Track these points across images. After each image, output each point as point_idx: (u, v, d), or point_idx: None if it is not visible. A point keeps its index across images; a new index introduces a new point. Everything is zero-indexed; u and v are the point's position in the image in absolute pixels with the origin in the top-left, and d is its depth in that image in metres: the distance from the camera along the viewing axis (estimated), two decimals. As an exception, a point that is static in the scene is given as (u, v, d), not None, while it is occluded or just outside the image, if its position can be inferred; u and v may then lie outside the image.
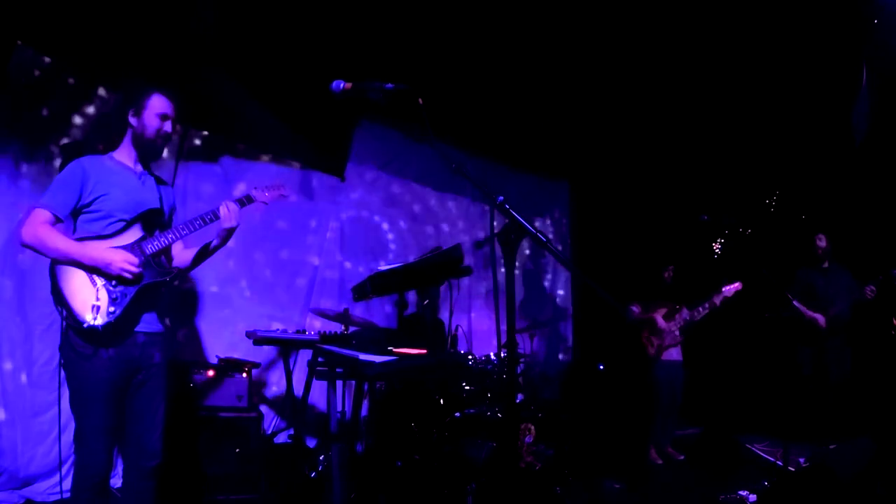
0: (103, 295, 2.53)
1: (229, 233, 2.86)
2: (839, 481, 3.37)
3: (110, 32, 4.01)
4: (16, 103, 3.87)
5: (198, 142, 4.76)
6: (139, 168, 2.81)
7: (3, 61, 3.80)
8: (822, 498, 3.35)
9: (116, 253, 2.57)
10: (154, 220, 2.74)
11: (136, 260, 2.59)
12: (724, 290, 5.42)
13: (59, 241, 2.52)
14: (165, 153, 4.43)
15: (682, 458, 5.58)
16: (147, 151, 2.79)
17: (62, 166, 2.68)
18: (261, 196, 3.02)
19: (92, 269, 2.53)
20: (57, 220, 2.58)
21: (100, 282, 2.54)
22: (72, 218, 2.65)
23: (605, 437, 5.69)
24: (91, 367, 2.50)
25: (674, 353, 5.62)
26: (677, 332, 5.55)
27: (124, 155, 2.79)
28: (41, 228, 2.52)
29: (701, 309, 5.46)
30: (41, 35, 3.89)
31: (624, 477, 4.77)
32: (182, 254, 2.92)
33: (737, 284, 5.44)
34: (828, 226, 5.65)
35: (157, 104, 2.74)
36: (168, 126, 2.78)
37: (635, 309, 5.71)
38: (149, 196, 2.77)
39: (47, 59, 3.97)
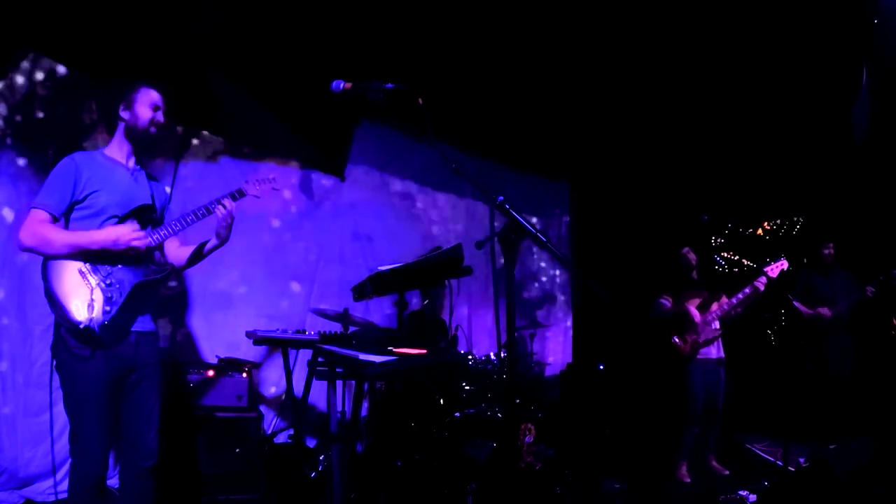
0: (98, 294, 2.50)
1: (226, 230, 2.83)
2: (839, 481, 3.37)
3: (111, 33, 4.01)
4: (14, 103, 3.88)
5: (197, 142, 4.76)
6: (131, 163, 2.77)
7: (2, 62, 3.80)
8: (822, 498, 3.35)
9: (120, 228, 2.56)
10: (147, 217, 2.72)
11: (142, 231, 2.60)
12: (767, 270, 4.75)
13: (61, 236, 2.51)
14: (165, 154, 4.45)
15: (727, 473, 5.03)
16: (141, 144, 2.76)
17: (53, 163, 2.65)
18: (252, 189, 2.98)
19: (101, 254, 2.51)
20: (54, 220, 2.55)
21: (94, 281, 2.51)
22: (64, 216, 2.62)
23: (609, 439, 5.48)
24: (86, 369, 2.47)
25: (712, 351, 4.96)
26: (716, 325, 4.91)
27: (116, 150, 2.76)
28: (41, 228, 2.49)
29: (741, 295, 4.83)
30: (42, 36, 3.89)
31: (630, 481, 4.70)
32: (177, 251, 2.89)
33: (782, 263, 4.77)
34: (828, 225, 5.66)
35: (147, 96, 2.72)
36: (160, 116, 2.75)
37: (666, 303, 5.05)
38: (141, 192, 2.75)
39: (48, 60, 3.97)
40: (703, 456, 5.13)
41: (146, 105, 2.71)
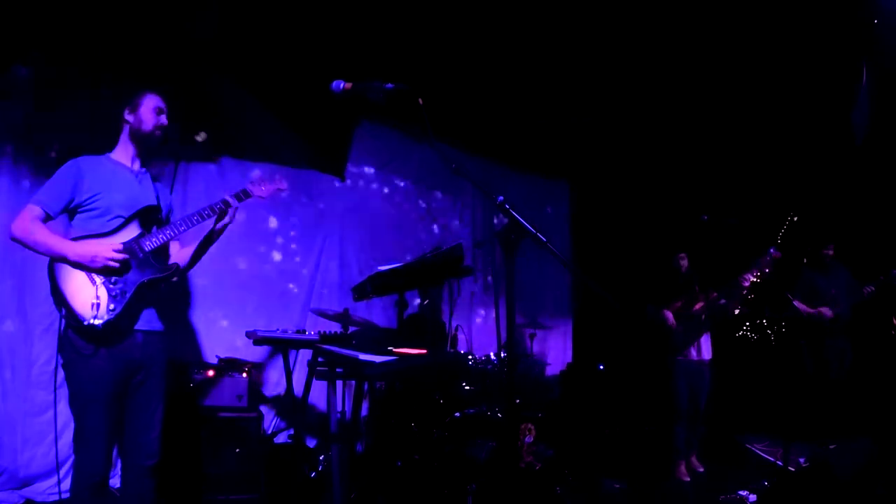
0: (103, 293, 2.53)
1: (223, 228, 2.87)
2: (839, 481, 3.37)
3: (113, 36, 4.02)
4: (16, 104, 3.87)
5: (198, 142, 4.74)
6: (136, 166, 2.83)
7: (4, 63, 3.81)
8: (822, 498, 3.35)
9: (99, 246, 2.55)
10: (151, 218, 2.75)
11: (119, 247, 2.58)
12: (760, 262, 4.78)
13: (47, 238, 2.53)
14: (165, 154, 4.45)
15: (701, 470, 5.17)
16: (145, 146, 2.81)
17: (56, 165, 2.69)
18: (257, 190, 3.00)
19: (77, 265, 2.52)
20: (48, 217, 2.59)
21: (99, 280, 2.54)
22: (66, 216, 2.66)
23: (609, 440, 5.50)
24: (91, 367, 2.50)
25: (693, 352, 5.10)
26: (699, 327, 5.02)
27: (121, 154, 2.81)
28: (30, 224, 2.54)
29: (725, 292, 4.92)
30: (43, 37, 3.89)
31: (629, 480, 4.71)
32: (179, 253, 2.91)
33: (776, 252, 4.79)
34: (828, 225, 5.66)
35: (152, 100, 2.78)
36: (164, 119, 2.80)
37: (649, 309, 5.29)
38: (146, 193, 2.79)
39: (49, 62, 3.97)
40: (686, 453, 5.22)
41: (150, 109, 2.77)
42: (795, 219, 5.15)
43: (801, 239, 6.02)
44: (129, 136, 2.79)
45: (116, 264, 2.55)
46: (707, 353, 5.15)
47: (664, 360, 5.14)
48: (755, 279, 4.85)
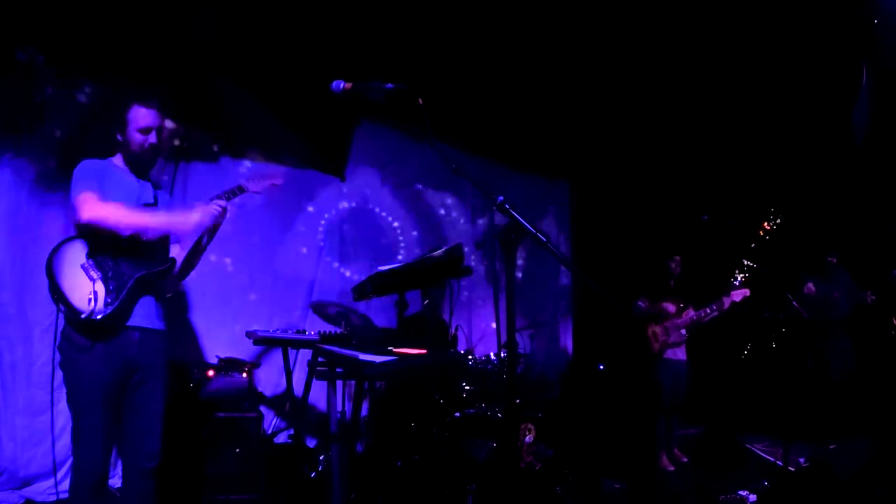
0: (100, 287, 2.53)
1: (217, 226, 2.86)
2: (839, 481, 3.37)
3: (112, 35, 4.02)
4: (17, 105, 3.87)
5: (198, 142, 4.75)
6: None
7: (3, 63, 3.81)
8: (822, 498, 3.35)
9: (204, 207, 2.74)
10: None
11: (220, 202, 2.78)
12: (732, 294, 5.29)
13: (128, 213, 2.59)
14: (165, 154, 4.44)
15: (685, 460, 5.47)
16: (136, 164, 2.78)
17: (57, 171, 2.70)
18: (252, 186, 2.99)
19: (109, 244, 2.55)
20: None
21: (96, 275, 2.55)
22: None
23: (609, 439, 5.57)
24: (88, 364, 2.50)
25: (678, 353, 5.47)
26: (683, 331, 5.41)
27: (120, 161, 2.81)
28: (102, 206, 2.53)
29: (708, 310, 5.33)
30: (43, 37, 3.89)
31: (629, 480, 4.73)
32: (178, 253, 2.91)
33: (745, 291, 5.32)
34: (828, 225, 5.66)
35: (137, 118, 2.70)
36: (153, 137, 2.72)
37: (642, 304, 5.54)
38: (145, 192, 2.80)
39: (49, 61, 3.97)
40: (667, 445, 5.48)
41: (136, 130, 2.70)
42: (778, 222, 5.24)
43: (801, 243, 6.03)
44: (122, 153, 2.76)
45: (220, 208, 2.77)
46: (685, 354, 5.52)
47: (649, 357, 5.47)
48: (736, 303, 5.28)
